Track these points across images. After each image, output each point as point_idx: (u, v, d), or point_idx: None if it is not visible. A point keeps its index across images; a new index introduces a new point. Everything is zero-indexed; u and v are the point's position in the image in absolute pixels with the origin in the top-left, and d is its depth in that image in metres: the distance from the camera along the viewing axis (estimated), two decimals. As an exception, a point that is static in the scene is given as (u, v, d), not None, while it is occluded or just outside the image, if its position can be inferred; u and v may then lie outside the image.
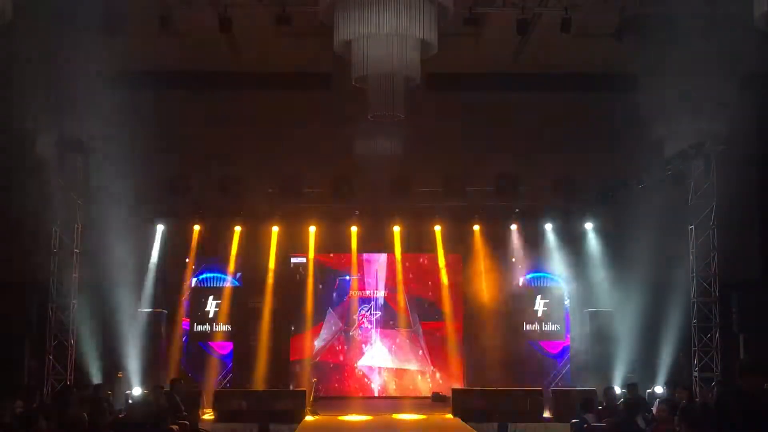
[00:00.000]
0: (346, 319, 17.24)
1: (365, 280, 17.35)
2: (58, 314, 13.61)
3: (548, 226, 16.95)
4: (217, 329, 17.02)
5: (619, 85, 14.75)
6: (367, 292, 17.31)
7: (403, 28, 10.38)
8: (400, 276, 17.25)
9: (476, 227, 17.05)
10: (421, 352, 17.17)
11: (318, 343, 17.14)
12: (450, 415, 14.57)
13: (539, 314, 17.17)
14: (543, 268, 17.24)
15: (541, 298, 17.22)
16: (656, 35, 12.38)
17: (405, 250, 17.20)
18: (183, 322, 16.87)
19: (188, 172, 16.12)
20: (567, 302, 17.09)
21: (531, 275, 17.24)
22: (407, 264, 17.32)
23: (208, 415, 14.37)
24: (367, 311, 17.28)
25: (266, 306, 16.82)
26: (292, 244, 17.15)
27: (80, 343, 13.84)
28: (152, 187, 15.89)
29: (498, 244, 17.07)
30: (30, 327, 14.06)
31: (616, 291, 15.92)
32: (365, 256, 17.32)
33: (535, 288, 17.28)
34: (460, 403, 14.58)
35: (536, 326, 17.15)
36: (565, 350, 17.09)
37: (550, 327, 17.18)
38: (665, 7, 12.31)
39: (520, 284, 17.20)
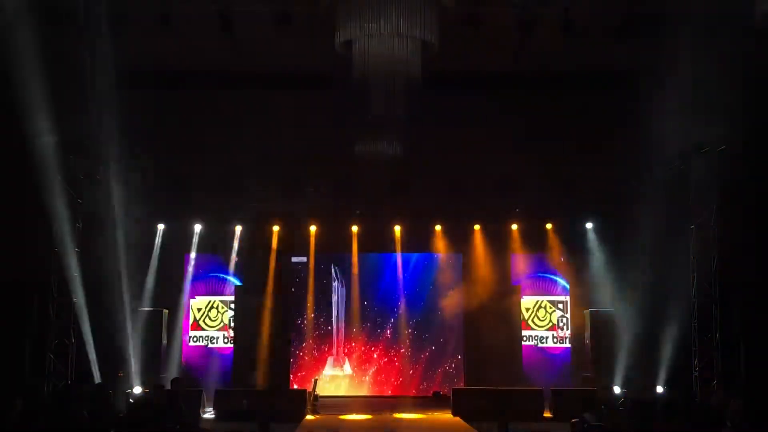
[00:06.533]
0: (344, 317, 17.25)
1: (365, 279, 17.33)
2: (59, 313, 13.60)
3: (549, 226, 16.94)
4: (217, 329, 17.03)
5: (619, 84, 14.78)
6: (368, 291, 17.32)
7: (404, 28, 10.39)
8: (400, 275, 17.23)
9: (477, 227, 17.04)
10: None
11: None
12: (450, 415, 14.57)
13: (539, 314, 17.15)
14: (543, 268, 17.24)
15: (542, 298, 17.22)
16: (657, 35, 12.38)
17: (405, 249, 17.18)
18: (183, 321, 16.88)
19: (189, 172, 16.12)
20: (567, 302, 17.06)
21: (531, 275, 17.22)
22: (408, 263, 17.30)
23: (208, 415, 14.38)
24: (367, 308, 17.30)
25: (267, 305, 16.81)
26: (293, 243, 17.13)
27: (81, 343, 13.83)
28: (153, 186, 15.90)
29: (498, 244, 17.06)
30: (31, 326, 14.07)
31: (616, 291, 15.91)
32: (365, 255, 17.29)
33: (536, 288, 17.26)
34: (461, 402, 14.57)
35: (536, 326, 17.14)
36: (565, 350, 17.08)
37: (550, 327, 17.17)
38: (666, 7, 12.31)
39: (521, 284, 17.18)
